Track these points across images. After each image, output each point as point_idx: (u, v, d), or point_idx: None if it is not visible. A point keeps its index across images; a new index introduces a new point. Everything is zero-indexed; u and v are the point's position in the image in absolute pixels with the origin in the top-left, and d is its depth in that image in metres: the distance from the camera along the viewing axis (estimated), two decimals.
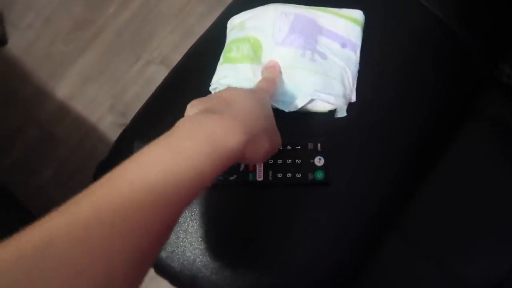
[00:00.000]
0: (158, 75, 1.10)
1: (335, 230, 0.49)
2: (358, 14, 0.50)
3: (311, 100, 0.47)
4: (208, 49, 0.55)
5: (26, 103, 1.11)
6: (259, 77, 0.47)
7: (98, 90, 1.11)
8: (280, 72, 0.47)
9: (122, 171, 0.26)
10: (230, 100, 0.34)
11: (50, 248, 0.21)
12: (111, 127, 1.08)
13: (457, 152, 0.58)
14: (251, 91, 0.38)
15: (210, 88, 0.49)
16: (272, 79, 0.45)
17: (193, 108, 0.35)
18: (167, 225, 0.26)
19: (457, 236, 0.55)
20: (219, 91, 0.37)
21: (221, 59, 0.51)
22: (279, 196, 0.47)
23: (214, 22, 0.59)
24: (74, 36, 1.15)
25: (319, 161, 0.46)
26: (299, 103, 0.46)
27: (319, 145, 0.46)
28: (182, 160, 0.27)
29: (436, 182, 0.57)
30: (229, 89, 0.38)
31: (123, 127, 0.55)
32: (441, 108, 0.54)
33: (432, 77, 0.53)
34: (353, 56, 0.49)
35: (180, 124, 0.30)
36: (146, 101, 0.56)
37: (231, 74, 0.48)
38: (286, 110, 0.47)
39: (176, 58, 0.59)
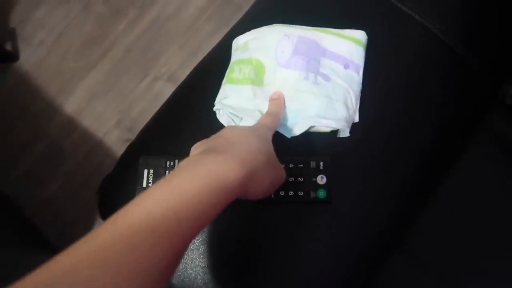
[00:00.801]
0: (165, 91, 1.12)
1: (338, 249, 0.48)
2: (360, 35, 0.51)
3: (312, 126, 0.48)
4: (214, 67, 0.56)
5: (36, 117, 1.13)
6: (260, 99, 0.48)
7: (105, 106, 1.13)
8: (284, 102, 0.48)
9: (124, 213, 0.27)
10: (231, 139, 0.35)
11: (65, 278, 0.22)
12: (117, 142, 1.09)
13: (462, 171, 0.58)
14: (252, 129, 0.39)
15: (214, 108, 0.50)
16: (276, 114, 0.45)
17: (196, 150, 0.36)
18: (172, 262, 0.27)
19: (462, 255, 0.54)
20: (221, 131, 0.38)
21: (224, 79, 0.52)
22: (282, 214, 0.47)
23: (220, 41, 0.60)
24: (84, 52, 1.17)
25: (321, 179, 0.46)
26: (300, 129, 0.47)
27: (321, 163, 0.46)
28: (182, 199, 0.28)
29: (440, 201, 0.56)
30: (231, 128, 0.39)
31: (130, 142, 0.56)
32: (446, 127, 0.54)
33: (435, 97, 0.53)
34: (356, 77, 0.50)
35: (182, 164, 0.31)
36: (152, 117, 0.57)
37: (233, 94, 0.49)
38: (288, 136, 0.47)
39: (183, 75, 0.60)
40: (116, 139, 1.10)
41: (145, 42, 1.17)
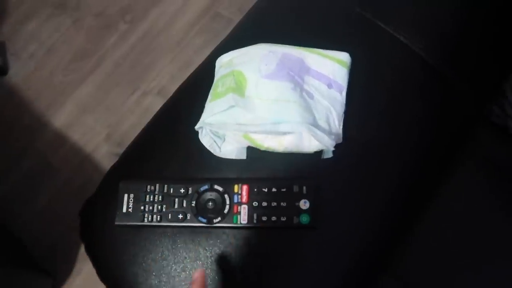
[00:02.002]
0: (155, 105, 1.10)
1: (324, 274, 0.48)
2: (344, 56, 0.51)
3: (300, 136, 0.47)
4: (198, 88, 0.55)
5: (25, 131, 1.12)
6: (241, 109, 0.46)
7: (95, 120, 1.12)
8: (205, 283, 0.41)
9: None
10: None
11: None
12: (107, 156, 1.08)
13: (448, 191, 0.57)
14: None
15: (196, 127, 0.49)
16: None
17: None
18: None
19: (450, 277, 0.54)
20: None
21: (209, 97, 0.51)
22: (265, 239, 0.47)
23: (205, 59, 0.60)
24: (73, 66, 1.16)
25: (304, 204, 0.45)
26: (287, 128, 0.45)
27: (304, 187, 0.46)
28: None
29: (428, 223, 0.56)
30: None
31: (115, 161, 0.56)
32: (429, 147, 0.54)
33: (418, 117, 0.53)
34: (339, 97, 0.49)
35: None
36: (136, 137, 0.56)
37: (214, 109, 0.48)
38: (270, 132, 0.46)
39: (173, 89, 0.59)
40: (105, 153, 1.09)
41: (135, 56, 1.17)
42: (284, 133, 0.46)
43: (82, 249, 0.53)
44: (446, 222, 0.56)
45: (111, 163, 0.57)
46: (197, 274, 0.41)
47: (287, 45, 0.51)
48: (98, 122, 1.12)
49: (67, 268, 1.00)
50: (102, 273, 0.51)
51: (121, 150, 0.57)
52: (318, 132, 0.45)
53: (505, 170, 0.59)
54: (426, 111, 0.54)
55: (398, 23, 0.56)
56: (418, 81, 0.55)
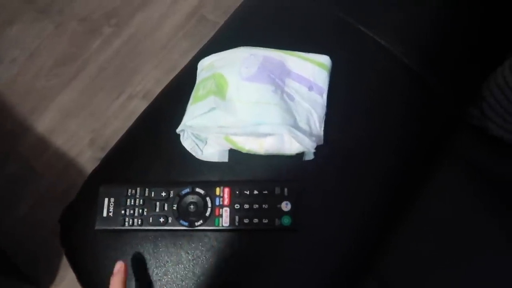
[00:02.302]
0: (140, 110, 1.10)
1: (307, 276, 0.48)
2: (325, 59, 0.51)
3: (281, 138, 0.47)
4: (181, 91, 0.55)
5: (7, 136, 1.11)
6: (222, 112, 0.46)
7: (79, 125, 1.11)
8: (126, 276, 0.40)
9: None
10: None
11: None
12: (90, 161, 1.07)
13: (430, 193, 0.58)
14: None
15: (177, 130, 0.49)
16: None
17: None
18: None
19: (435, 278, 0.54)
20: None
21: (190, 100, 0.51)
22: (247, 241, 0.47)
23: (188, 63, 0.60)
24: (57, 71, 1.15)
25: (286, 206, 0.46)
26: (267, 129, 0.45)
27: (286, 189, 0.46)
28: None
29: (409, 224, 0.56)
30: None
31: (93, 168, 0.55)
32: (410, 149, 0.55)
33: (399, 120, 0.54)
34: (320, 99, 0.50)
35: None
36: (117, 142, 0.56)
37: (196, 113, 0.48)
38: (250, 133, 0.46)
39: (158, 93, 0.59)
40: (89, 158, 1.08)
41: (120, 60, 1.16)
42: (265, 135, 0.46)
43: (65, 257, 0.52)
44: (427, 223, 0.57)
45: None
46: (118, 267, 0.40)
47: (268, 48, 0.52)
48: (82, 126, 1.11)
49: (50, 275, 0.98)
50: (83, 279, 0.50)
51: (104, 155, 0.57)
52: (299, 133, 0.45)
53: (486, 172, 0.59)
54: (407, 114, 0.55)
55: (379, 28, 0.57)
56: (400, 85, 0.56)
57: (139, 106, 1.11)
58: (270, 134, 0.46)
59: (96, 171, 0.54)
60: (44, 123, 1.11)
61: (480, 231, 0.56)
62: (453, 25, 0.60)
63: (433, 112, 0.58)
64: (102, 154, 0.95)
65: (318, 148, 0.48)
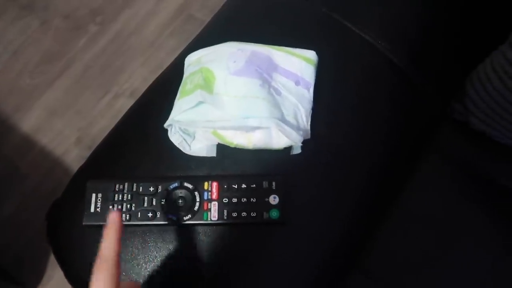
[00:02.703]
0: (127, 108, 1.09)
1: (295, 269, 0.48)
2: (311, 54, 0.52)
3: (269, 132, 0.47)
4: (168, 86, 0.55)
5: None
6: (210, 105, 0.46)
7: (65, 123, 1.09)
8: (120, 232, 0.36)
9: None
10: None
11: None
12: (77, 160, 1.06)
13: (415, 188, 0.59)
14: None
15: (165, 125, 0.49)
16: (108, 260, 0.33)
17: None
18: None
19: (420, 272, 0.55)
20: None
21: (178, 95, 0.51)
22: (235, 235, 0.47)
23: (175, 59, 0.60)
24: (41, 69, 1.14)
25: (274, 199, 0.46)
26: (255, 123, 0.46)
27: (274, 183, 0.46)
28: None
29: (396, 218, 0.57)
30: None
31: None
32: (396, 144, 0.55)
33: (385, 114, 0.55)
34: (307, 94, 0.50)
35: None
36: (104, 138, 0.55)
37: (183, 107, 0.48)
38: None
39: None
40: (75, 157, 1.07)
41: (106, 58, 1.15)
42: (253, 130, 0.47)
43: (52, 256, 0.51)
44: (413, 218, 0.58)
45: None
46: (113, 215, 0.36)
47: (255, 44, 0.52)
48: (68, 125, 1.09)
49: (37, 275, 0.97)
50: (71, 276, 0.50)
51: None
52: (286, 127, 0.46)
53: (468, 166, 0.61)
54: (392, 109, 0.56)
55: (365, 24, 0.58)
56: (385, 80, 0.57)
57: (126, 105, 1.10)
58: (258, 128, 0.46)
59: (83, 167, 0.53)
60: (29, 122, 1.10)
61: (464, 225, 0.57)
62: (437, 22, 0.61)
63: (417, 107, 0.59)
64: (88, 153, 0.95)
65: (305, 142, 0.49)
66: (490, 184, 0.60)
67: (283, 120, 0.46)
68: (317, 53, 0.52)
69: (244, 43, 0.52)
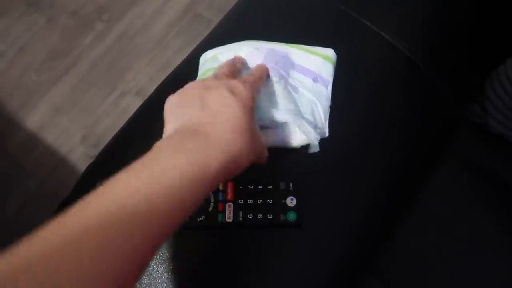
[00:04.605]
0: (133, 106, 1.09)
1: (310, 273, 0.47)
2: (330, 52, 0.51)
3: (285, 129, 0.46)
4: (179, 84, 0.54)
5: None
6: None
7: (70, 121, 1.08)
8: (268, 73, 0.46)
9: (96, 199, 0.25)
10: (214, 111, 0.33)
11: (28, 273, 0.21)
12: (82, 159, 1.05)
13: (431, 191, 0.57)
14: (234, 95, 0.35)
15: None
16: (260, 75, 0.43)
17: (172, 113, 0.34)
18: (143, 259, 0.26)
19: (434, 276, 0.54)
20: (200, 89, 0.35)
21: None
22: (251, 238, 0.45)
23: (186, 57, 0.58)
24: (47, 66, 1.13)
25: (291, 201, 0.44)
26: (279, 118, 0.45)
27: (291, 184, 0.45)
28: (162, 190, 0.26)
29: (411, 221, 0.56)
30: (210, 88, 0.35)
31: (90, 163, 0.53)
32: (412, 144, 0.54)
33: (402, 113, 0.53)
34: (325, 91, 0.49)
35: (160, 147, 0.29)
36: (114, 136, 0.54)
37: None
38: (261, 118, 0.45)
39: (152, 89, 0.58)
40: (81, 155, 1.05)
41: (112, 56, 1.14)
42: (270, 127, 0.45)
43: None
44: (428, 221, 0.56)
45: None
46: (261, 65, 0.45)
47: (273, 42, 0.51)
48: (74, 123, 1.08)
49: None
50: None
51: (97, 152, 0.55)
52: (305, 123, 0.44)
53: (486, 169, 0.59)
54: (409, 109, 0.54)
55: (383, 22, 0.56)
56: (402, 79, 0.55)
57: (132, 103, 1.09)
58: (275, 126, 0.45)
59: (91, 167, 0.52)
60: (33, 119, 1.09)
61: (480, 227, 0.56)
62: (456, 22, 0.60)
63: (434, 108, 0.57)
64: (94, 151, 0.93)
65: (323, 142, 0.47)
66: (507, 188, 0.59)
67: (301, 117, 0.45)
68: (332, 49, 0.51)
69: (261, 41, 0.50)
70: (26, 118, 1.09)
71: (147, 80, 1.12)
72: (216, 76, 0.40)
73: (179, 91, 0.37)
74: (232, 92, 0.35)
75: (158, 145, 0.30)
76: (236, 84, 0.36)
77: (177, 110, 0.35)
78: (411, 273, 0.54)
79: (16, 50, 1.15)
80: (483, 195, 0.58)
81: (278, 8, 0.59)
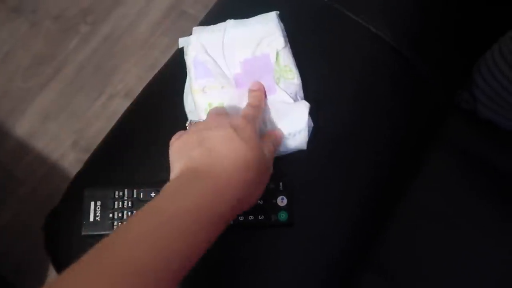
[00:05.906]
0: (123, 108, 1.07)
1: (304, 272, 0.47)
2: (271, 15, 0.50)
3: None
4: (165, 87, 0.53)
5: None
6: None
7: (60, 127, 1.07)
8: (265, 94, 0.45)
9: (110, 251, 0.26)
10: (219, 152, 0.33)
11: None
12: (74, 164, 1.04)
13: (422, 180, 0.57)
14: (237, 133, 0.35)
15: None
16: (257, 107, 0.42)
17: (177, 157, 0.35)
18: None
19: (432, 267, 0.54)
20: (203, 131, 0.36)
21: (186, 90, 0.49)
22: (243, 238, 0.45)
23: (170, 58, 0.58)
24: (33, 72, 1.11)
25: (281, 201, 0.44)
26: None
27: (281, 184, 0.45)
28: (174, 236, 0.27)
29: (405, 213, 0.56)
30: (214, 132, 0.35)
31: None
32: (402, 134, 0.54)
33: (389, 104, 0.53)
34: (293, 84, 0.47)
35: (169, 190, 0.31)
36: (100, 142, 0.53)
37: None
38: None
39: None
40: (72, 161, 1.05)
41: (99, 58, 1.13)
42: None
43: None
44: (421, 211, 0.56)
45: None
46: (258, 85, 0.44)
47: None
48: (63, 129, 1.07)
49: (38, 282, 0.95)
50: None
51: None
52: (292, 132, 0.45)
53: (477, 156, 0.59)
54: (397, 99, 0.54)
55: (367, 13, 0.56)
56: (389, 70, 0.55)
57: (121, 105, 1.08)
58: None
59: (80, 173, 0.51)
60: (22, 126, 1.07)
61: (475, 215, 0.56)
62: (441, 9, 0.59)
63: (422, 97, 0.57)
64: (86, 156, 0.92)
65: (309, 137, 0.46)
66: (498, 174, 0.59)
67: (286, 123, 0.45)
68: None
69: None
70: (15, 125, 1.07)
71: (136, 81, 1.11)
72: (217, 114, 0.40)
73: (182, 136, 0.37)
74: (235, 130, 0.35)
75: (167, 188, 0.31)
76: (238, 122, 0.36)
77: (180, 154, 0.35)
78: (409, 264, 0.54)
79: (0, 56, 1.13)
80: (476, 182, 0.58)
81: (262, 1, 0.58)
